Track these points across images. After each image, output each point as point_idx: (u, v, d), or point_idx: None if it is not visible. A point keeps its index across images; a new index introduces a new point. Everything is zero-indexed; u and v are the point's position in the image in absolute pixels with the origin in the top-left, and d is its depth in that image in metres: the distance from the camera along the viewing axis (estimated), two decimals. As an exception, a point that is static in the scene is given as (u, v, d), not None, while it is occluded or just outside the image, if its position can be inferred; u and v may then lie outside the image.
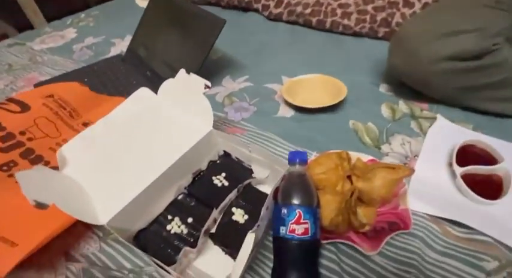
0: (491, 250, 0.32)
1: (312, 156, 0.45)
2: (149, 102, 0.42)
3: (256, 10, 0.93)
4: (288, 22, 0.88)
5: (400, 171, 0.35)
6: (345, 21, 0.78)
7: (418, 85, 0.51)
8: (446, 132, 0.46)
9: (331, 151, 0.41)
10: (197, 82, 0.38)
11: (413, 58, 0.47)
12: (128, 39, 0.85)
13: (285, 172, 0.33)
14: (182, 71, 0.39)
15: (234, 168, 0.41)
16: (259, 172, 0.40)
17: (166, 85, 0.41)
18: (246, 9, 0.96)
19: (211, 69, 0.69)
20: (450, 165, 0.42)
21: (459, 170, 0.39)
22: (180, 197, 0.37)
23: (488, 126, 0.48)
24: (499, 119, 0.49)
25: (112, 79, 0.66)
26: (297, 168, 0.33)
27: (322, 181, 0.37)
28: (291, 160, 0.33)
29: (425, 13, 0.51)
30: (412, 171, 0.35)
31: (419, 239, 0.34)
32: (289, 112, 0.55)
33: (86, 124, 0.51)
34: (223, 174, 0.40)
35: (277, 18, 0.89)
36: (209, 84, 0.38)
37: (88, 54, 0.82)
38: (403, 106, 0.54)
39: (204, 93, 0.39)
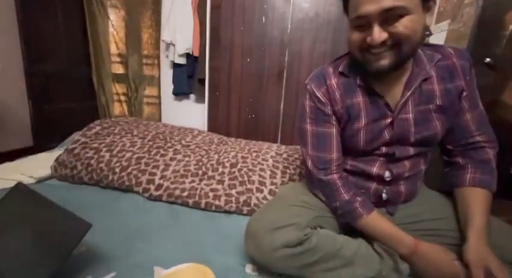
0: None
1: None
2: None
3: (136, 192, 1.00)
4: (167, 202, 0.97)
5: None
6: (216, 202, 0.94)
7: (270, 267, 0.61)
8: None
9: None
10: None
11: (260, 248, 0.60)
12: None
13: None
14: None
15: None
16: None
17: None
18: (125, 190, 1.02)
19: (70, 269, 0.60)
20: None
21: None
22: None
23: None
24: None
25: None
26: None
27: None
28: None
29: (263, 210, 0.70)
30: None
31: None
32: (156, 320, 0.50)
33: None
34: None
35: (157, 199, 0.98)
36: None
37: None
38: (266, 287, 0.61)
39: None
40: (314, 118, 0.72)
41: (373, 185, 0.73)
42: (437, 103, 0.66)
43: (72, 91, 2.43)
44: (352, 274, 0.63)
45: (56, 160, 1.07)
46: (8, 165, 1.15)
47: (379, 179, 0.72)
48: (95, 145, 1.09)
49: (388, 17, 0.56)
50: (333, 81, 0.71)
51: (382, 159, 0.71)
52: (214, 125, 2.14)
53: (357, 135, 0.70)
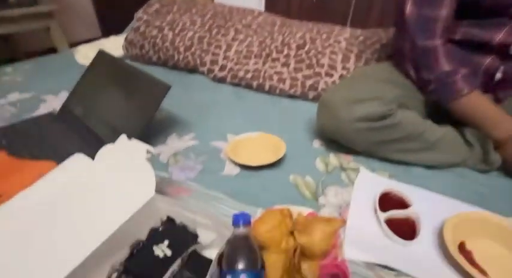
0: (417, 291, 0.36)
1: (258, 213, 0.46)
2: (83, 169, 0.40)
3: (201, 73, 1.01)
4: (231, 84, 0.97)
5: (334, 223, 0.39)
6: (281, 86, 0.91)
7: (342, 141, 0.60)
8: (369, 182, 0.54)
9: (275, 207, 0.43)
10: (139, 148, 0.38)
11: (335, 119, 0.56)
12: (63, 96, 0.82)
13: (230, 235, 0.33)
14: (123, 137, 0.39)
15: (178, 235, 0.39)
16: (205, 236, 0.39)
17: (105, 151, 0.40)
18: (192, 71, 1.04)
19: (156, 127, 0.69)
20: (375, 211, 0.48)
21: (382, 216, 0.45)
22: (113, 276, 0.33)
23: (399, 173, 0.58)
24: (406, 167, 0.60)
25: (39, 141, 0.60)
26: (241, 229, 0.34)
27: (268, 240, 0.38)
28: (235, 223, 0.34)
29: (340, 84, 0.63)
30: (345, 222, 0.39)
31: (359, 289, 0.36)
32: (235, 170, 0.57)
33: (-2, 196, 0.44)
34: (166, 242, 0.37)
35: (221, 81, 0.98)
36: (152, 149, 0.38)
37: (10, 112, 0.74)
38: (333, 159, 0.62)
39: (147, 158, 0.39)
40: None
41: (488, 60, 0.57)
42: None
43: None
44: (432, 158, 0.59)
45: (126, 39, 1.10)
46: (86, 46, 1.24)
47: (500, 51, 0.55)
48: (157, 23, 1.06)
49: None
50: None
51: None
52: (272, 7, 1.86)
53: None
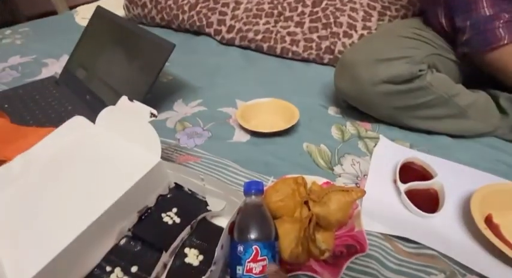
0: (437, 263, 0.34)
1: (270, 182, 0.44)
2: (84, 132, 0.37)
3: (208, 34, 0.94)
4: (240, 47, 0.90)
5: (353, 193, 0.36)
6: (294, 48, 0.83)
7: (361, 106, 0.55)
8: (389, 152, 0.50)
9: (288, 176, 0.41)
10: (141, 110, 0.35)
11: (356, 81, 0.51)
12: (64, 59, 0.78)
13: (240, 204, 0.31)
14: (124, 98, 0.36)
15: (187, 202, 0.37)
16: (214, 204, 0.37)
17: (106, 113, 0.37)
18: (197, 32, 0.96)
19: (161, 92, 0.66)
20: (395, 182, 0.45)
21: (402, 187, 0.42)
22: (122, 242, 0.32)
23: (421, 143, 0.54)
24: (429, 136, 0.56)
25: (42, 105, 0.58)
26: (253, 198, 0.31)
27: (280, 209, 0.36)
28: (247, 191, 0.32)
29: (363, 42, 0.57)
30: (364, 192, 0.36)
31: (375, 260, 0.34)
32: (245, 137, 0.54)
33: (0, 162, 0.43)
34: (175, 210, 0.36)
35: (229, 43, 0.91)
36: (155, 112, 0.35)
37: (12, 76, 0.71)
38: (350, 127, 0.58)
39: (150, 121, 0.36)
40: None
41: None
42: None
43: None
44: (460, 126, 0.53)
45: (126, -3, 1.01)
46: (85, 6, 1.16)
47: None
48: (159, -23, 0.96)
49: None
50: None
51: None
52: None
53: None
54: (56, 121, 0.53)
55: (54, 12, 1.62)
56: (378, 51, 0.49)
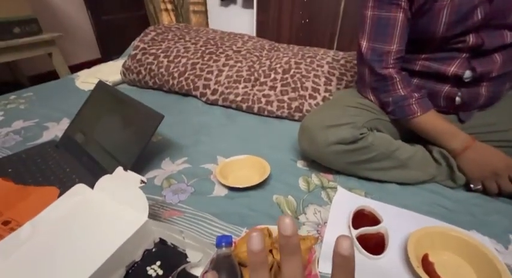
0: (382, 301, 0.41)
1: (243, 233, 0.51)
2: (84, 197, 0.45)
3: (195, 96, 1.08)
4: (222, 106, 1.04)
5: (308, 240, 0.43)
6: (269, 107, 0.97)
7: (321, 162, 0.66)
8: (345, 200, 0.59)
9: (258, 227, 0.48)
10: (133, 178, 0.43)
11: (313, 143, 0.62)
12: (64, 122, 0.88)
13: (213, 255, 0.38)
14: (119, 169, 0.45)
15: (169, 255, 0.43)
16: (193, 255, 0.43)
17: (103, 180, 0.45)
18: (185, 94, 1.10)
19: (151, 151, 0.75)
20: (349, 228, 0.53)
21: (354, 232, 0.50)
22: (112, 295, 0.38)
23: (374, 190, 0.64)
24: (380, 184, 0.66)
25: (42, 168, 0.65)
26: (224, 250, 0.38)
27: (247, 258, 0.42)
28: (218, 244, 0.39)
29: (318, 110, 0.70)
30: (316, 239, 0.44)
31: (330, 300, 0.40)
32: (223, 191, 0.62)
33: (6, 223, 0.49)
34: (158, 263, 0.42)
35: (213, 103, 1.04)
36: (145, 179, 0.44)
37: (15, 140, 0.79)
38: (315, 178, 0.67)
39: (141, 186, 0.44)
40: (378, 0, 0.61)
41: (446, 88, 0.64)
42: None
43: (123, 1, 2.39)
44: (404, 176, 0.64)
45: (123, 65, 1.17)
46: (86, 71, 1.31)
47: (455, 80, 0.62)
48: (153, 50, 1.13)
49: None
50: None
51: (464, 54, 0.59)
52: (263, 31, 1.97)
53: (437, 16, 0.57)
54: (55, 182, 0.60)
55: (53, 72, 1.78)
56: (329, 118, 0.62)
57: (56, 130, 0.84)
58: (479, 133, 0.64)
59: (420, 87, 0.66)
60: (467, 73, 0.60)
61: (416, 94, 0.63)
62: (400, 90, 0.64)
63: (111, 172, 0.46)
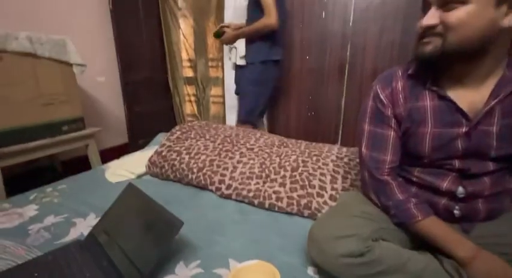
0: None
1: None
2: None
3: (211, 190, 1.16)
4: (236, 200, 1.11)
5: None
6: (279, 204, 1.03)
7: (332, 273, 0.66)
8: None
9: None
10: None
11: (322, 254, 0.65)
12: (91, 218, 0.95)
13: None
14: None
15: None
16: None
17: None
18: (202, 188, 1.20)
19: (167, 254, 0.78)
20: None
21: None
22: None
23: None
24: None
25: (64, 273, 0.68)
26: None
27: None
28: None
29: (326, 217, 0.74)
30: None
31: None
32: (234, 304, 0.62)
33: None
34: None
35: (227, 197, 1.12)
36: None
37: (45, 238, 0.85)
38: (326, 290, 0.66)
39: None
40: (373, 118, 0.74)
41: (443, 200, 0.69)
42: None
43: (154, 94, 2.83)
44: (417, 289, 0.63)
45: (149, 160, 1.32)
46: (115, 163, 1.47)
47: (451, 195, 0.68)
48: (177, 148, 1.30)
49: (447, 2, 0.56)
50: (399, 84, 0.71)
51: (454, 174, 0.67)
52: (273, 124, 2.22)
53: (422, 141, 0.67)
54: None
55: (84, 157, 1.96)
56: (335, 229, 0.66)
57: (82, 227, 0.91)
58: (486, 244, 0.65)
59: (419, 197, 0.71)
60: (460, 190, 0.66)
61: (414, 200, 0.68)
62: (399, 195, 0.69)
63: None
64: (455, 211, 0.68)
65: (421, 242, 0.71)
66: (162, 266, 0.73)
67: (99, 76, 2.40)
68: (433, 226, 0.66)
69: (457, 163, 0.65)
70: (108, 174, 1.33)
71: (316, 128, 2.06)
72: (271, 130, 2.14)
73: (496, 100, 0.60)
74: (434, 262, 0.67)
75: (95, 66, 2.27)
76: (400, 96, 0.69)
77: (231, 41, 1.71)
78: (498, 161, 0.63)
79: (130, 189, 0.88)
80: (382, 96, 0.72)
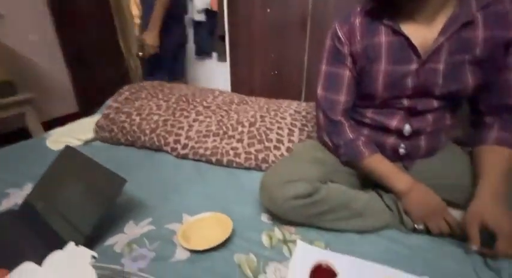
0: None
1: (200, 301, 0.50)
2: (31, 276, 0.44)
3: (166, 151, 1.11)
4: (193, 160, 1.07)
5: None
6: (237, 160, 1.01)
7: (281, 216, 0.68)
8: (304, 255, 0.60)
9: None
10: (84, 253, 0.44)
11: (272, 199, 0.66)
12: (28, 188, 0.86)
13: None
14: (71, 244, 0.45)
15: None
16: None
17: (52, 258, 0.45)
18: (157, 149, 1.13)
19: (115, 215, 0.74)
20: (309, 285, 0.53)
21: (311, 290, 0.51)
22: None
23: (334, 241, 0.66)
24: (340, 234, 0.68)
25: (-4, 243, 0.62)
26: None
27: None
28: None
29: (276, 166, 0.75)
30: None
31: None
32: (186, 254, 0.62)
33: None
34: None
35: (184, 157, 1.08)
36: (95, 254, 0.44)
37: (-28, 210, 0.76)
38: (277, 232, 0.69)
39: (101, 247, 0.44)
40: (330, 57, 0.75)
41: (391, 139, 0.72)
42: (476, 54, 0.60)
43: (106, 57, 2.53)
44: (361, 224, 0.67)
45: (96, 124, 1.20)
46: (58, 130, 1.32)
47: (398, 133, 0.71)
48: (126, 109, 1.19)
49: None
50: (357, 20, 0.70)
51: (402, 112, 0.69)
52: (237, 84, 2.13)
53: (376, 79, 0.68)
54: (8, 261, 0.57)
55: (26, 129, 1.76)
56: (284, 175, 0.66)
57: (16, 197, 0.82)
58: (424, 179, 0.70)
59: (369, 138, 0.74)
60: (407, 128, 0.69)
61: (363, 138, 0.72)
62: (350, 134, 0.73)
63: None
64: (401, 149, 0.72)
65: (368, 184, 0.75)
66: (110, 226, 0.70)
67: (31, 34, 2.05)
68: (377, 163, 0.70)
69: (405, 102, 0.67)
70: (50, 142, 1.20)
71: (280, 86, 2.02)
72: (236, 91, 2.06)
73: (445, 37, 0.60)
74: (376, 198, 0.72)
75: (24, 20, 1.92)
76: (358, 32, 0.69)
77: (155, 40, 1.59)
78: (441, 99, 0.66)
79: (67, 151, 0.79)
80: (340, 34, 0.71)
